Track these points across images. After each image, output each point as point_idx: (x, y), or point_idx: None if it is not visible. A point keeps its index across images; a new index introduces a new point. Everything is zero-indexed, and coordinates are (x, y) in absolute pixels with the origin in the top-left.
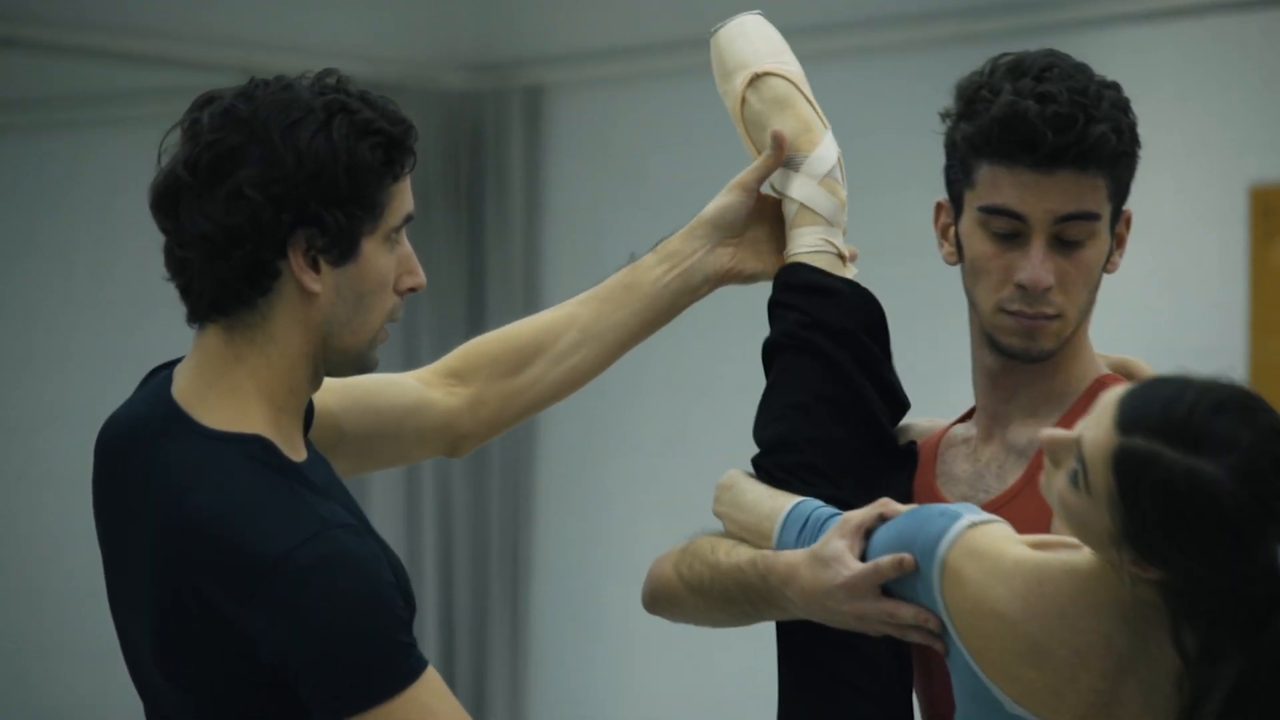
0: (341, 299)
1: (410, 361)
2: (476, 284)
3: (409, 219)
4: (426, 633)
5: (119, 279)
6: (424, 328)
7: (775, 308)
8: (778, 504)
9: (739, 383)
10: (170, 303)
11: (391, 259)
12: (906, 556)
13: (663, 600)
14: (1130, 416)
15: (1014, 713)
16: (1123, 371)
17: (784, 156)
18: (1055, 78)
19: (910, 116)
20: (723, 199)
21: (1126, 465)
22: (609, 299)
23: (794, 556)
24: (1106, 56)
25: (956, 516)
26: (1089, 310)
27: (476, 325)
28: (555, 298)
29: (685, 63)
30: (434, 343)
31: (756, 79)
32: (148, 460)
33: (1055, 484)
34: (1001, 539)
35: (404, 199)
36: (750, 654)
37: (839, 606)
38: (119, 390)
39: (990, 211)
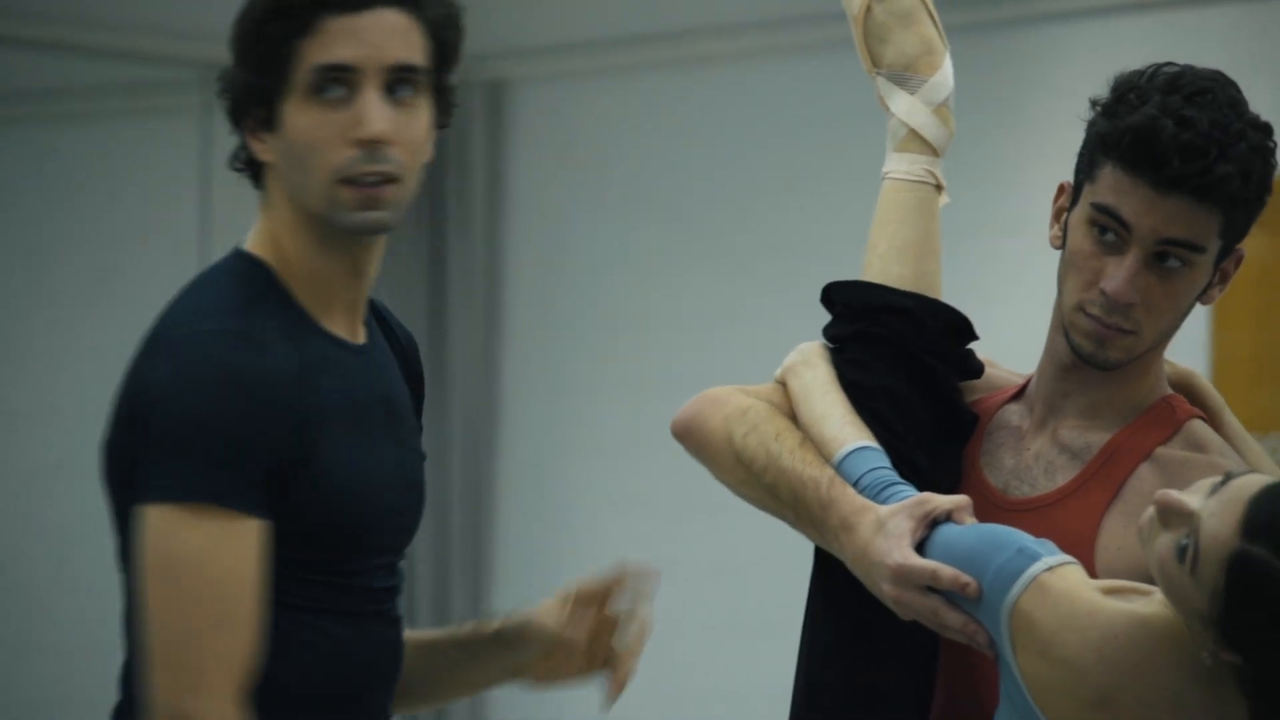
0: (287, 164)
1: None
2: (438, 278)
3: (331, 70)
4: None
5: (79, 271)
6: None
7: (844, 337)
8: (844, 435)
9: (699, 381)
10: (124, 294)
11: (319, 116)
12: (971, 583)
13: (698, 443)
14: (1259, 523)
15: None
16: (1184, 387)
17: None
18: (1205, 105)
19: (867, 110)
20: (556, 612)
21: (1243, 571)
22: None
23: (860, 508)
24: (1066, 51)
25: (1035, 557)
26: (1170, 334)
27: (437, 319)
28: (516, 292)
29: (649, 57)
30: None
31: None
32: None
33: (1158, 545)
34: (1076, 584)
35: (317, 52)
36: (712, 650)
37: (880, 583)
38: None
39: (1100, 210)
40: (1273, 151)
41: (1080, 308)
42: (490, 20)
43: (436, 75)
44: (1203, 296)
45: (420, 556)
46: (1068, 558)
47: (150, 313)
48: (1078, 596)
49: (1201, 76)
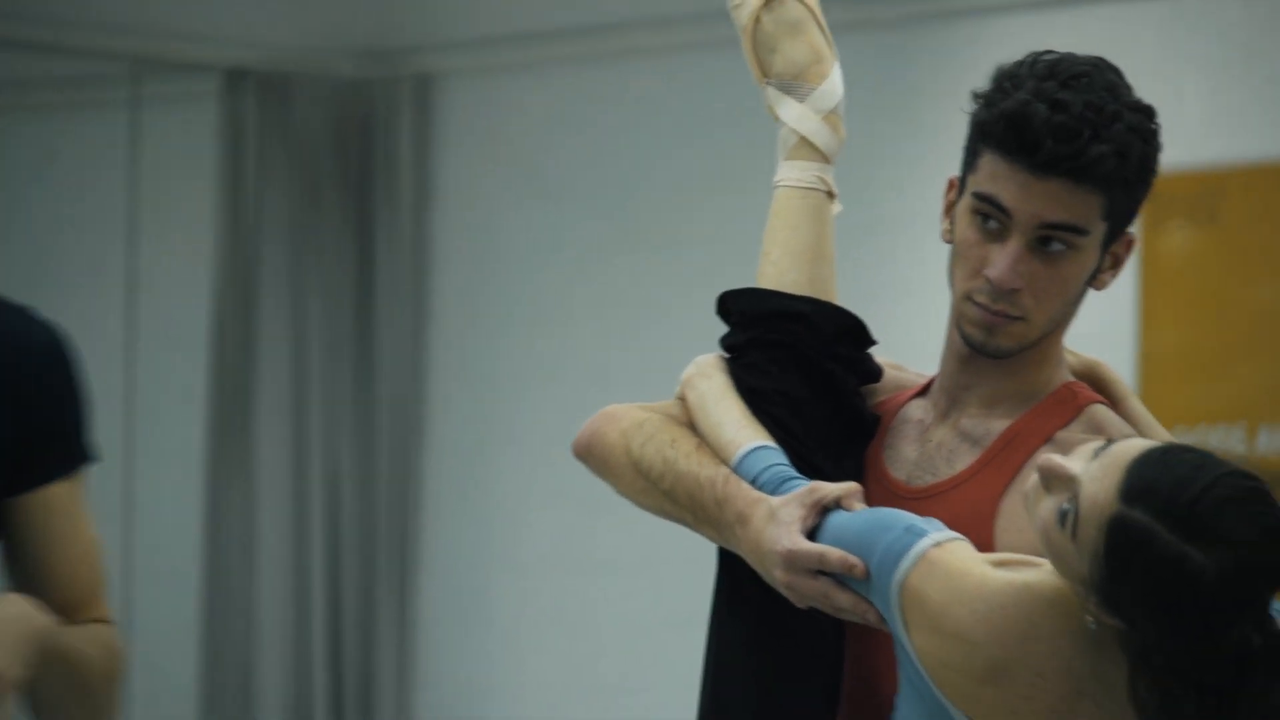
0: None
1: (299, 351)
2: (365, 273)
3: None
4: (314, 624)
5: (7, 263)
6: (312, 317)
7: (740, 345)
8: (741, 437)
9: (629, 374)
10: (51, 286)
11: None
12: (858, 564)
13: (599, 460)
14: (1137, 487)
15: None
16: (1089, 376)
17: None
18: (1080, 88)
19: None
20: None
21: (1120, 535)
22: None
23: (753, 500)
24: (997, 43)
25: (922, 534)
26: (1064, 321)
27: (365, 314)
28: (444, 287)
29: (578, 50)
30: (322, 333)
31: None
32: None
33: (1041, 510)
34: (965, 558)
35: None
36: (637, 646)
37: (772, 570)
38: None
39: (981, 198)
40: (1154, 133)
41: (968, 297)
42: (418, 14)
43: None
44: (1094, 281)
45: (347, 550)
46: (956, 535)
47: (79, 304)
48: (966, 570)
49: (1080, 61)
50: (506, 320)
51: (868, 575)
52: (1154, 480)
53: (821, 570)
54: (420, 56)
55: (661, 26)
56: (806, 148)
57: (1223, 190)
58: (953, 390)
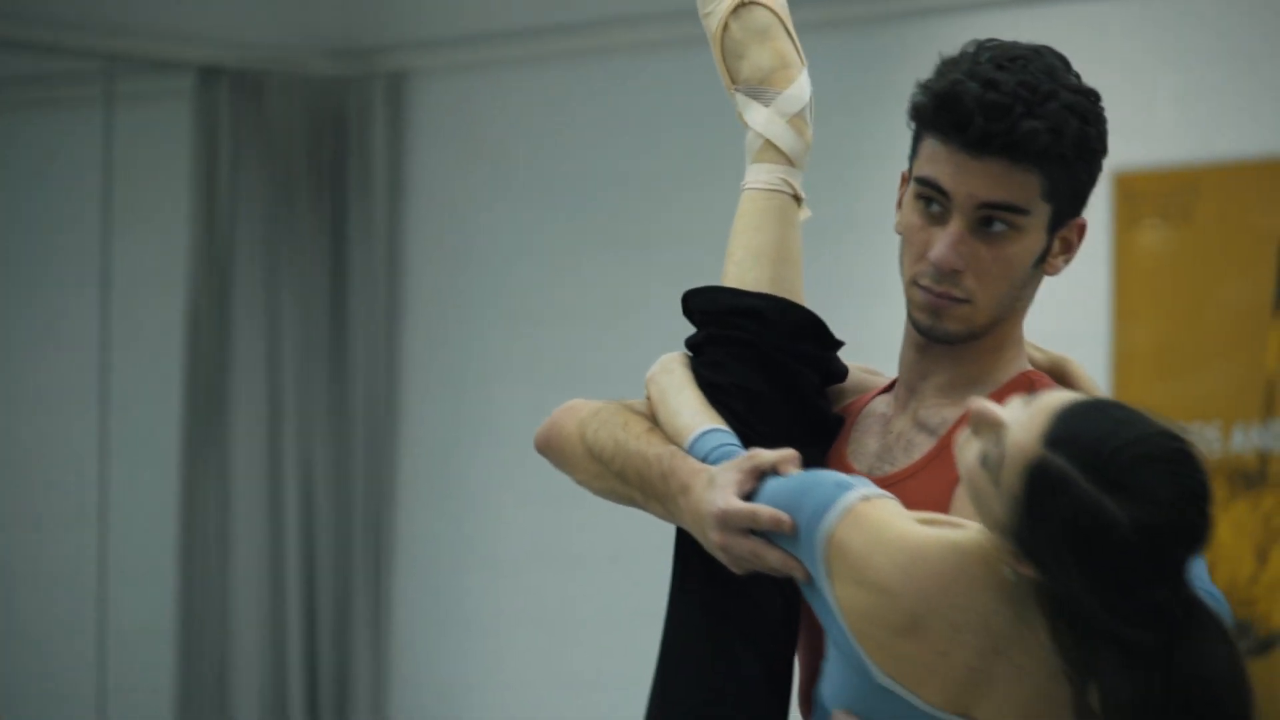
0: None
1: (273, 349)
2: (339, 271)
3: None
4: (289, 623)
5: None
6: (286, 315)
7: (699, 342)
8: (696, 421)
9: (603, 371)
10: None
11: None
12: (787, 520)
13: (556, 450)
14: (1061, 434)
15: (883, 683)
16: (1055, 371)
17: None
18: (1014, 69)
19: None
20: None
21: (1039, 479)
22: None
23: (695, 470)
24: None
25: (848, 487)
26: (1014, 305)
27: (339, 312)
28: (418, 285)
29: (552, 49)
30: (297, 331)
31: (741, 6)
32: None
33: (968, 452)
34: (890, 513)
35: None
36: (612, 642)
37: (708, 532)
38: None
39: (922, 182)
40: (1095, 114)
41: (914, 281)
42: (391, 12)
43: None
44: (1045, 265)
45: (322, 548)
46: (885, 492)
47: (53, 303)
48: (890, 522)
49: (1020, 47)
50: (480, 318)
51: (797, 532)
52: (1079, 429)
53: (754, 530)
54: (394, 55)
55: (634, 25)
56: (771, 151)
57: (1196, 189)
58: (911, 380)
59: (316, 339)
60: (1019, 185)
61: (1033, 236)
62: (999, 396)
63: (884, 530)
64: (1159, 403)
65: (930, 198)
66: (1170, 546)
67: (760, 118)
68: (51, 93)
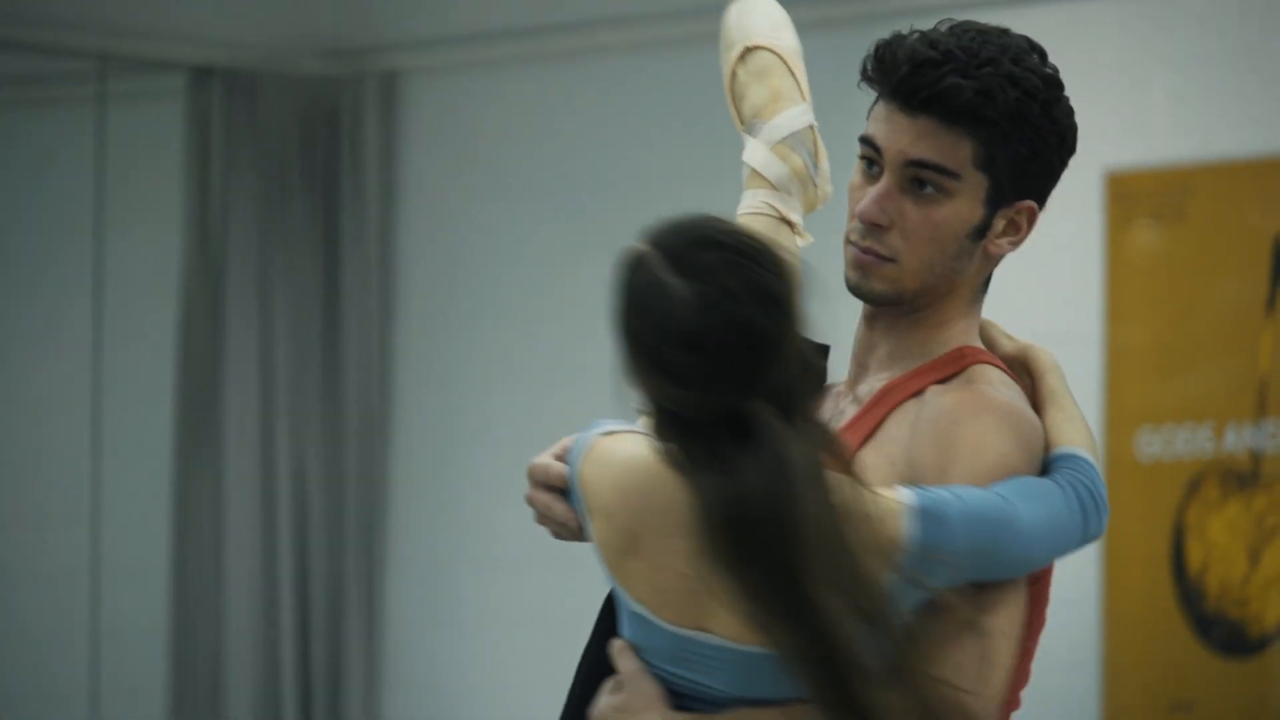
0: None
1: (266, 350)
2: (332, 271)
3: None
4: (282, 623)
5: None
6: (279, 315)
7: None
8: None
9: (597, 372)
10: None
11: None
12: (556, 468)
13: None
14: (657, 228)
15: (634, 609)
16: (1019, 360)
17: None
18: (966, 37)
19: None
20: None
21: (625, 265)
22: None
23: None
24: None
25: (597, 427)
26: (949, 276)
27: (332, 312)
28: (410, 285)
29: (544, 49)
30: (289, 331)
31: (747, 52)
32: None
33: None
34: (620, 442)
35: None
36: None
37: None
38: None
39: (862, 141)
40: (1045, 97)
41: (846, 238)
42: (383, 12)
43: None
44: (988, 243)
45: (315, 549)
46: (633, 427)
47: (45, 303)
48: (614, 449)
49: (992, 27)
50: (473, 318)
51: (568, 482)
52: (672, 223)
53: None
54: (386, 54)
55: (629, 25)
56: (756, 178)
57: (1189, 188)
58: (861, 355)
59: (309, 339)
60: (949, 146)
61: (964, 204)
62: (928, 367)
63: (609, 456)
64: (1152, 402)
65: (870, 158)
66: (735, 340)
67: (748, 148)
68: (43, 93)
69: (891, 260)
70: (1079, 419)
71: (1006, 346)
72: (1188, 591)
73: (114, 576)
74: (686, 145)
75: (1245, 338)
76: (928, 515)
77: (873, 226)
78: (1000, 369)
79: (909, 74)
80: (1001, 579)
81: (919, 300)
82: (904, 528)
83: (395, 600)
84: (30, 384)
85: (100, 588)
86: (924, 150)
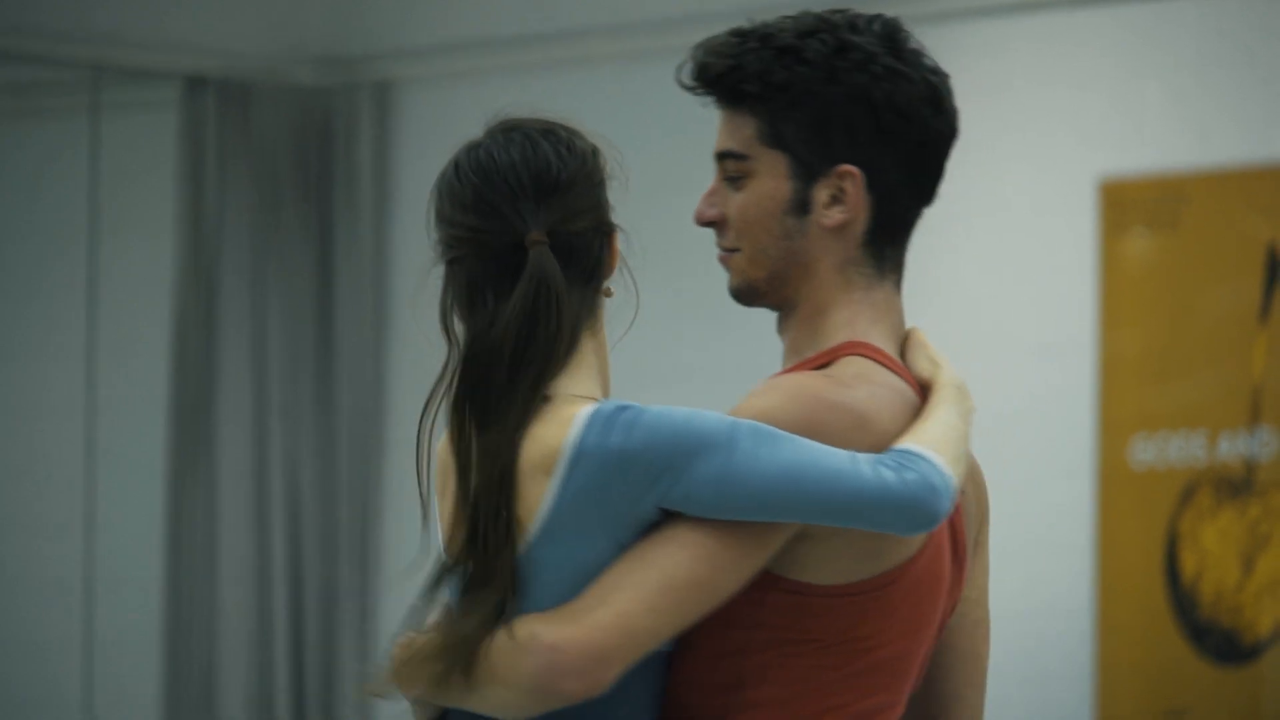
0: None
1: (259, 359)
2: (326, 280)
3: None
4: (276, 631)
5: None
6: (273, 325)
7: None
8: None
9: None
10: (12, 294)
11: None
12: None
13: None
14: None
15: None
16: (922, 380)
17: None
18: (761, 24)
19: None
20: None
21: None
22: None
23: None
24: (959, 50)
25: None
26: (792, 257)
27: (326, 322)
28: (405, 294)
29: (537, 58)
30: (283, 340)
31: None
32: None
33: None
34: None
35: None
36: None
37: None
38: None
39: None
40: (822, 56)
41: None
42: (377, 21)
43: None
44: (819, 218)
45: (308, 556)
46: None
47: (39, 312)
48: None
49: (811, 15)
50: None
51: None
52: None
53: None
54: (380, 64)
55: (620, 34)
56: None
57: (1184, 196)
58: (782, 363)
59: (303, 348)
60: (736, 130)
61: (766, 183)
62: (805, 362)
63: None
64: (1146, 410)
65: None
66: (522, 166)
67: None
68: (37, 102)
69: (735, 251)
70: (937, 430)
71: (923, 369)
72: (1181, 599)
73: (108, 584)
74: (677, 154)
75: (1239, 345)
76: (600, 418)
77: (709, 225)
78: (879, 362)
79: (697, 74)
80: (727, 517)
81: (779, 290)
82: (568, 434)
83: (389, 607)
84: (24, 392)
85: (94, 595)
86: (721, 142)
